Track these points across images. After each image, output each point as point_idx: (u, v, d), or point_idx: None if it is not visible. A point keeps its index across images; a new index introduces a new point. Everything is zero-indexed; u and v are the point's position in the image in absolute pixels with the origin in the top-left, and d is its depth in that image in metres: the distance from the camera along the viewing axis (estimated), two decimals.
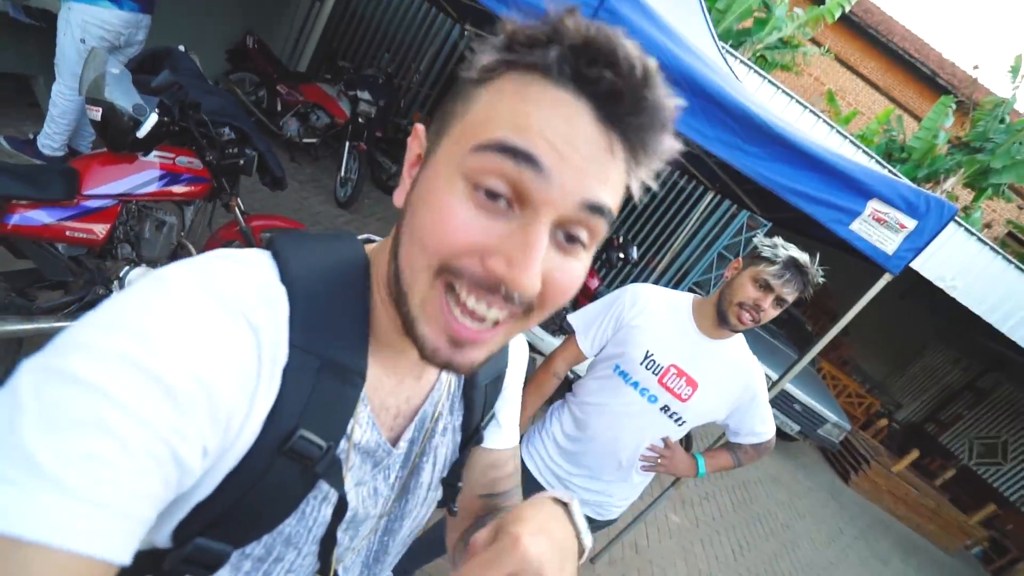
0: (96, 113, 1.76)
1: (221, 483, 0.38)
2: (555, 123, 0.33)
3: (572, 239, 0.36)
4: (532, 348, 3.38)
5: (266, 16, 5.38)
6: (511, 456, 0.65)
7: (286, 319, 0.39)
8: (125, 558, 0.30)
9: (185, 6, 4.09)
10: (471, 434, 0.58)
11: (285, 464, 0.39)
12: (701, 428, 4.51)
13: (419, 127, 0.40)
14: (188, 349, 0.33)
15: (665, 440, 1.43)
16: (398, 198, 0.40)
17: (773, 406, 5.40)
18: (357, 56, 6.38)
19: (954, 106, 8.42)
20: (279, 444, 0.38)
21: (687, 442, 3.63)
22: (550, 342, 3.32)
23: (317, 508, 0.45)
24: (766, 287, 1.26)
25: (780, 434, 6.06)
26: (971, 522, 6.58)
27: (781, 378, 2.33)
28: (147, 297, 0.34)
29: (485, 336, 0.37)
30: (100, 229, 1.90)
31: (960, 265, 5.26)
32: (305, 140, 4.92)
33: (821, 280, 1.27)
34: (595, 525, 1.57)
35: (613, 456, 1.43)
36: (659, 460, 1.44)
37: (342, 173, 4.67)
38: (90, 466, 0.28)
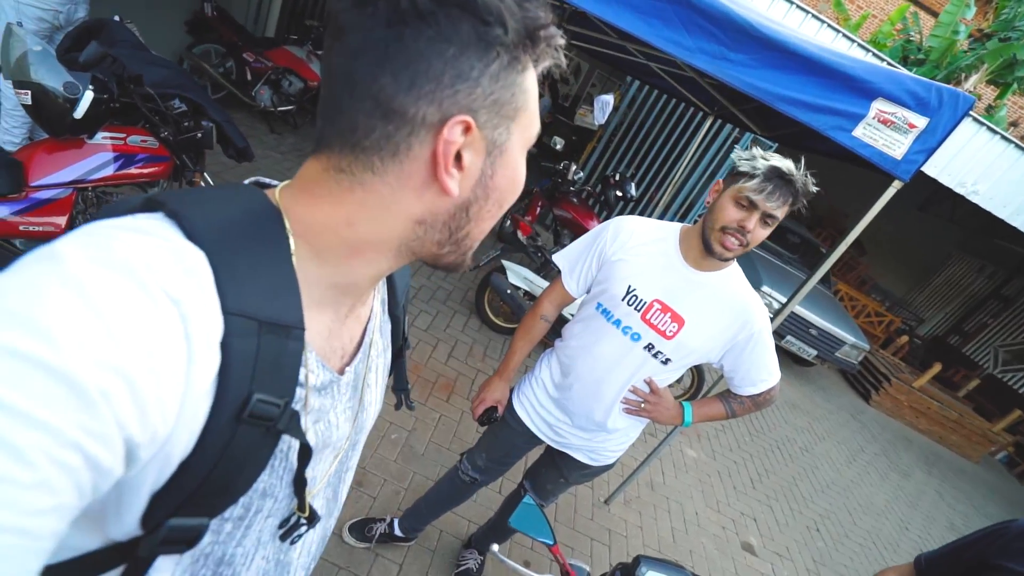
0: (26, 96, 1.65)
1: (180, 467, 0.36)
2: None
3: None
4: (532, 297, 3.31)
5: None
6: None
7: (212, 285, 0.36)
8: None
9: None
10: (401, 343, 0.66)
11: (247, 430, 0.39)
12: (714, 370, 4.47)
13: (471, 121, 0.40)
14: (96, 336, 0.29)
15: (650, 384, 1.35)
16: (454, 187, 0.42)
17: (788, 332, 5.25)
18: (325, 12, 6.04)
19: None
20: (236, 413, 0.38)
21: (698, 383, 3.58)
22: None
23: (284, 457, 0.45)
24: (749, 205, 1.13)
25: (796, 360, 6.00)
26: (995, 429, 6.56)
27: (791, 299, 2.22)
28: (39, 280, 0.30)
29: None
30: (59, 220, 1.83)
31: (982, 168, 4.94)
32: (280, 108, 4.73)
33: (814, 188, 1.13)
34: (592, 471, 1.54)
35: (598, 400, 1.37)
36: (642, 405, 1.37)
37: None
38: None
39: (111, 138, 1.95)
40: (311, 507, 0.51)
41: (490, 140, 0.42)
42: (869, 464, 4.92)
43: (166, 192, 0.40)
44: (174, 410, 0.34)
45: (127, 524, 0.38)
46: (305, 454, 0.46)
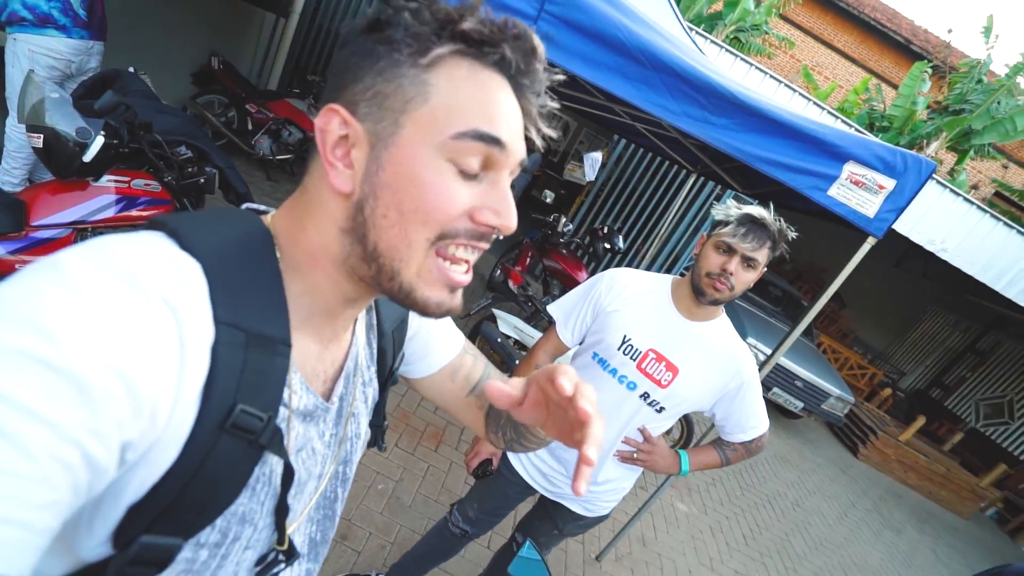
0: (38, 140, 1.69)
1: (164, 475, 0.36)
2: (507, 109, 0.44)
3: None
4: (522, 346, 3.32)
5: (231, 37, 5.32)
6: (464, 353, 0.74)
7: (206, 295, 0.38)
8: (23, 574, 0.28)
9: (147, 32, 4.03)
10: (386, 377, 0.65)
11: (229, 442, 0.39)
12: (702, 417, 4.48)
13: (340, 109, 0.42)
14: (97, 337, 0.31)
15: (644, 432, 1.36)
16: (343, 183, 0.43)
17: (775, 384, 5.29)
18: (327, 69, 6.33)
19: (930, 71, 8.41)
20: (220, 421, 0.38)
21: (688, 434, 3.56)
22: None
23: (267, 481, 0.45)
24: (728, 249, 1.23)
25: (783, 412, 6.00)
26: (983, 484, 6.54)
27: (777, 349, 2.27)
28: (41, 286, 0.31)
29: (468, 277, 0.47)
30: None
31: (949, 227, 5.22)
32: (279, 157, 4.85)
33: (793, 234, 1.22)
34: (586, 522, 1.51)
35: None
36: (636, 454, 1.38)
37: None
38: None
39: (115, 181, 1.99)
40: (290, 541, 0.50)
41: (372, 133, 0.42)
42: (861, 520, 4.84)
43: (168, 214, 0.43)
44: (165, 413, 0.35)
45: (100, 539, 0.38)
46: (289, 477, 0.46)
